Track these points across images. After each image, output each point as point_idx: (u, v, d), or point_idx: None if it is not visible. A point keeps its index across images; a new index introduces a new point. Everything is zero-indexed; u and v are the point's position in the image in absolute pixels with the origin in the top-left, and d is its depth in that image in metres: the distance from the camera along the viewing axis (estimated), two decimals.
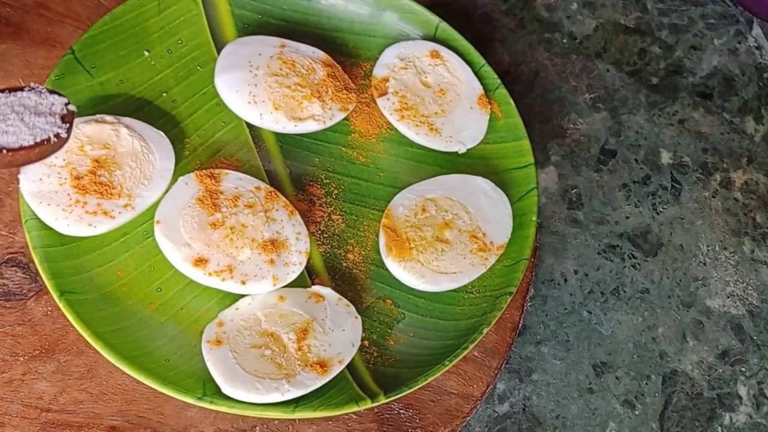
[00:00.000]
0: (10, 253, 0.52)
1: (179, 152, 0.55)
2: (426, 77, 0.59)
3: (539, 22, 0.73)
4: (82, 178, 0.49)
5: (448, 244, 0.53)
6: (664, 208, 0.66)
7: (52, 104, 0.47)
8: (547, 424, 0.56)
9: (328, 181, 0.57)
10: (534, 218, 0.55)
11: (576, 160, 0.67)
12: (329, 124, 0.56)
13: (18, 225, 0.53)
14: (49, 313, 0.51)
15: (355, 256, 0.55)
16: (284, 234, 0.51)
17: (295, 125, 0.55)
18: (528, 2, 0.74)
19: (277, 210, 0.52)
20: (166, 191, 0.51)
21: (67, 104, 0.47)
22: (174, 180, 0.52)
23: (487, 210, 0.55)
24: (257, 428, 0.50)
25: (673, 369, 0.60)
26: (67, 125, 0.47)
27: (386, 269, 0.53)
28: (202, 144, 0.56)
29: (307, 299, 0.50)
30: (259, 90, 0.55)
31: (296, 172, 0.57)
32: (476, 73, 0.60)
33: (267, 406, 0.46)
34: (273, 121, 0.55)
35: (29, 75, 0.58)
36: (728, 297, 0.63)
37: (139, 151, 0.51)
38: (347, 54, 0.62)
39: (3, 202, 0.54)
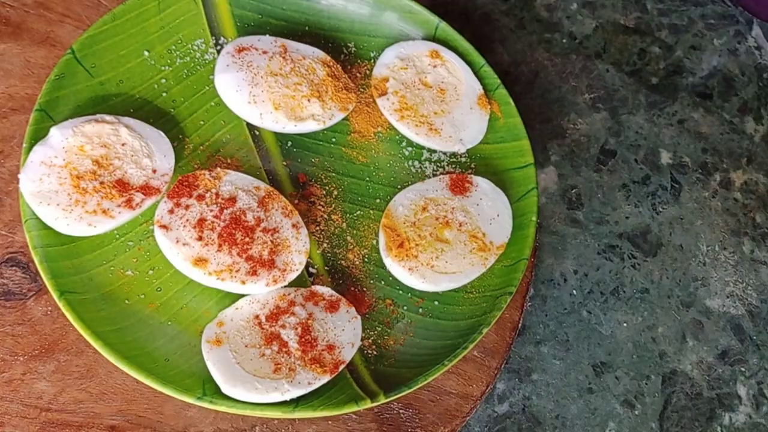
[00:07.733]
0: (10, 253, 0.52)
1: (179, 152, 0.55)
2: (426, 77, 0.59)
3: (539, 22, 0.73)
4: (81, 177, 0.49)
5: (447, 243, 0.53)
6: (663, 208, 0.66)
7: None
8: (547, 424, 0.56)
9: (327, 180, 0.57)
10: (534, 218, 0.55)
11: (576, 160, 0.67)
12: (329, 124, 0.56)
13: (18, 225, 0.53)
14: (48, 312, 0.51)
15: (354, 255, 0.55)
16: (284, 234, 0.51)
17: (295, 125, 0.55)
18: (528, 2, 0.74)
19: (276, 210, 0.52)
20: (166, 191, 0.51)
21: None
22: (174, 180, 0.52)
23: (486, 210, 0.55)
24: (257, 428, 0.50)
25: (673, 369, 0.60)
26: None
27: (386, 269, 0.53)
28: (201, 144, 0.56)
29: (307, 299, 0.50)
30: (258, 90, 0.55)
31: (296, 172, 0.57)
32: (476, 73, 0.60)
33: (267, 406, 0.46)
34: (273, 121, 0.55)
35: (29, 75, 0.58)
36: (728, 297, 0.63)
37: (138, 150, 0.51)
38: (347, 54, 0.62)
39: (3, 201, 0.54)
